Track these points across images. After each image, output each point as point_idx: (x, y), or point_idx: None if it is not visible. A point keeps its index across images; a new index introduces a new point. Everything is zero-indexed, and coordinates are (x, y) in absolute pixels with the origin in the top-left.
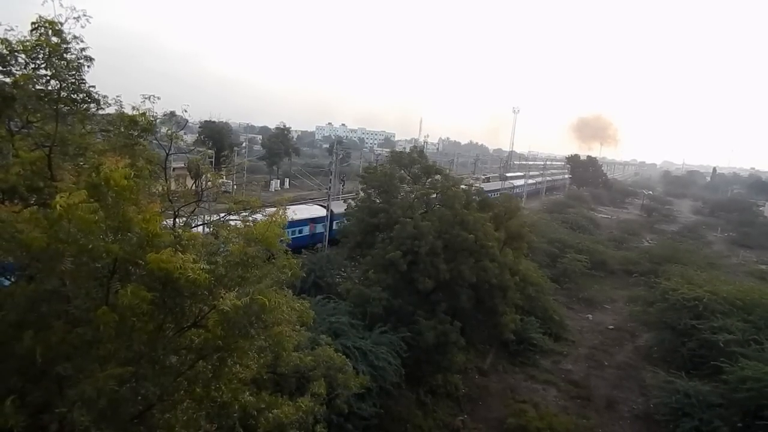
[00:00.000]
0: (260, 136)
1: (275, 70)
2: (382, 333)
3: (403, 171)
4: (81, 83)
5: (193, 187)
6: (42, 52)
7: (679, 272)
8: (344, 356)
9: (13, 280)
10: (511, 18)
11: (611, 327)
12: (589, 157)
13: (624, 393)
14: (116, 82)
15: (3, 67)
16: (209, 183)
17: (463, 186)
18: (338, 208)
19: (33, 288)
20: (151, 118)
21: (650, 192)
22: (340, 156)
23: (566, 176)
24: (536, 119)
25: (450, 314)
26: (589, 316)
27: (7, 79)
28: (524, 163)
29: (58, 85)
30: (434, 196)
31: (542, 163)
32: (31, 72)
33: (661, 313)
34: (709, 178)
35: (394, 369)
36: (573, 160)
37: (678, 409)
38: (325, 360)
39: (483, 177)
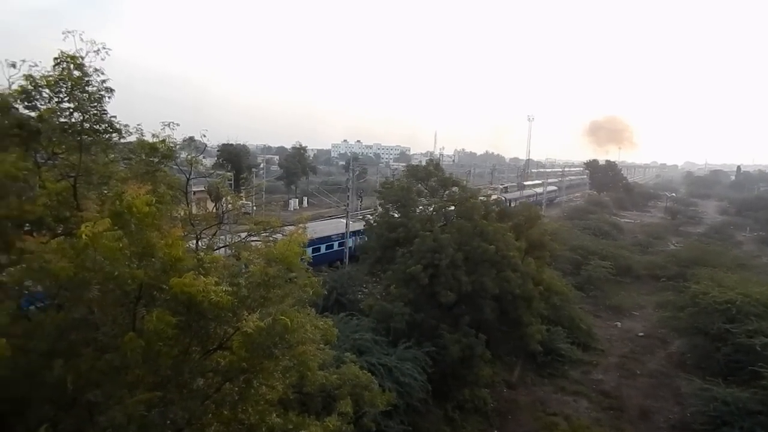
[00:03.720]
0: (277, 157)
1: (288, 90)
2: (406, 348)
3: (420, 184)
4: (103, 114)
5: (214, 210)
6: (65, 85)
7: (708, 275)
8: (369, 373)
9: (41, 308)
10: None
11: (641, 334)
12: (608, 161)
13: (658, 402)
14: (134, 111)
15: (28, 102)
16: (229, 205)
17: (481, 197)
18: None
19: (62, 317)
20: (171, 145)
21: (673, 194)
22: (357, 172)
23: (586, 181)
24: (551, 126)
25: (474, 327)
26: (618, 323)
27: (33, 114)
28: (542, 170)
29: (81, 117)
30: (452, 208)
31: (560, 170)
32: (55, 105)
33: (692, 318)
34: (733, 177)
35: (420, 385)
36: (592, 166)
37: (716, 417)
38: (351, 378)
39: (501, 187)
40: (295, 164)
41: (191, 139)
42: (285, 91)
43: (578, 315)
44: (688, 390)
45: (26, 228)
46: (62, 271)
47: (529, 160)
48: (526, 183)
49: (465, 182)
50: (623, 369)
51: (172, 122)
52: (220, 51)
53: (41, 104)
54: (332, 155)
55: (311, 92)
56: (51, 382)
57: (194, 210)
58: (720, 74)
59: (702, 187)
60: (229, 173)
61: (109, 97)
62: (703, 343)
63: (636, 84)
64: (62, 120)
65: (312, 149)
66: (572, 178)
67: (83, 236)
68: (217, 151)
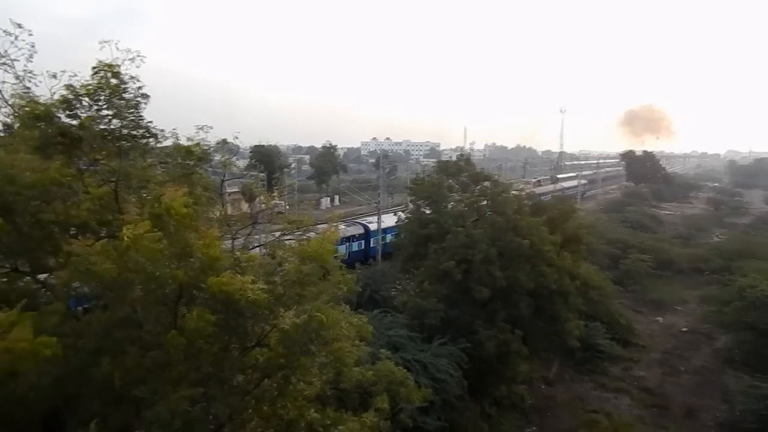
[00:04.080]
0: (308, 156)
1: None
2: (441, 345)
3: (450, 180)
4: (139, 120)
5: (249, 210)
6: (103, 93)
7: (755, 268)
8: (405, 370)
9: (88, 308)
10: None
11: (684, 329)
12: (645, 152)
13: (704, 400)
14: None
15: (70, 111)
16: (263, 205)
17: (513, 192)
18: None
19: (108, 316)
20: (205, 148)
21: (716, 184)
22: (387, 169)
23: (622, 173)
24: (584, 117)
25: (510, 323)
26: (659, 318)
27: (74, 122)
28: (576, 163)
29: (120, 124)
30: (484, 203)
31: (595, 162)
32: (94, 113)
33: (739, 313)
34: None
35: (456, 381)
36: (628, 157)
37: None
38: (386, 374)
39: (533, 180)
40: (326, 163)
41: (224, 141)
42: (314, 90)
43: (617, 310)
44: (737, 387)
45: (72, 232)
46: (106, 272)
47: (562, 152)
48: (559, 176)
49: (497, 177)
50: (666, 365)
51: (206, 126)
52: (249, 53)
53: (81, 112)
54: (362, 153)
55: (340, 91)
56: (99, 379)
57: (229, 210)
58: (765, 56)
59: (746, 177)
60: (261, 174)
61: (145, 103)
62: (751, 339)
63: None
64: (102, 127)
65: (342, 148)
66: (608, 170)
67: (125, 238)
68: (250, 152)
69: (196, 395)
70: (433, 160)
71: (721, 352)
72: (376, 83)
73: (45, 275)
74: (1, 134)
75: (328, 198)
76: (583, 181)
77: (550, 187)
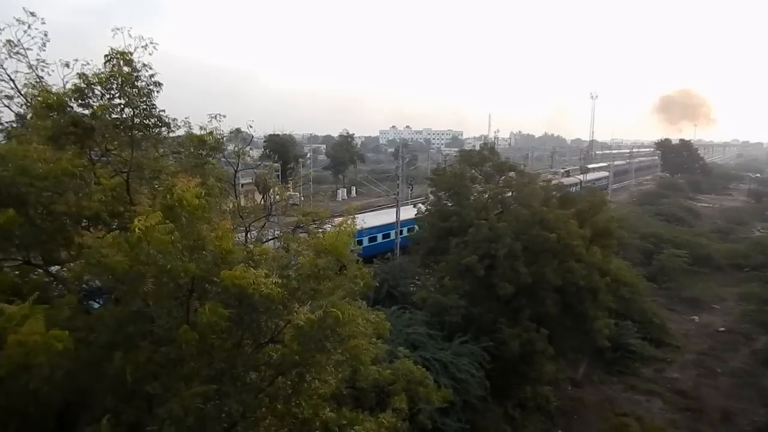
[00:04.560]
0: (324, 146)
1: (333, 78)
2: (462, 343)
3: (473, 170)
4: (152, 109)
5: (262, 202)
6: (115, 82)
7: None
8: (424, 369)
9: (101, 303)
10: None
11: (722, 329)
12: (682, 140)
13: (742, 404)
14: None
15: (82, 100)
16: (277, 197)
17: (540, 183)
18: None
19: (119, 310)
20: (218, 137)
21: (758, 175)
22: (407, 159)
23: (657, 163)
24: (617, 103)
25: (535, 321)
26: (695, 317)
27: (86, 111)
28: (607, 152)
29: (132, 113)
30: (509, 194)
31: (628, 151)
32: (106, 102)
33: None
34: None
35: (477, 381)
36: (664, 145)
37: None
38: (405, 373)
39: (562, 171)
40: (343, 153)
41: (238, 130)
42: (331, 78)
43: (650, 308)
44: None
45: (83, 224)
46: (118, 265)
47: (593, 141)
48: (590, 166)
49: (522, 167)
50: (702, 367)
51: (219, 114)
52: (263, 40)
53: (94, 102)
54: (380, 142)
55: (356, 78)
56: (112, 374)
57: (242, 202)
58: None
59: None
60: (276, 164)
61: (157, 92)
62: None
63: (713, 52)
64: (114, 116)
65: (359, 137)
66: (642, 159)
67: (136, 230)
68: (264, 141)
69: (208, 392)
70: (455, 149)
71: (760, 353)
72: (395, 70)
73: (57, 268)
74: (15, 125)
75: (345, 189)
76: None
77: (580, 178)
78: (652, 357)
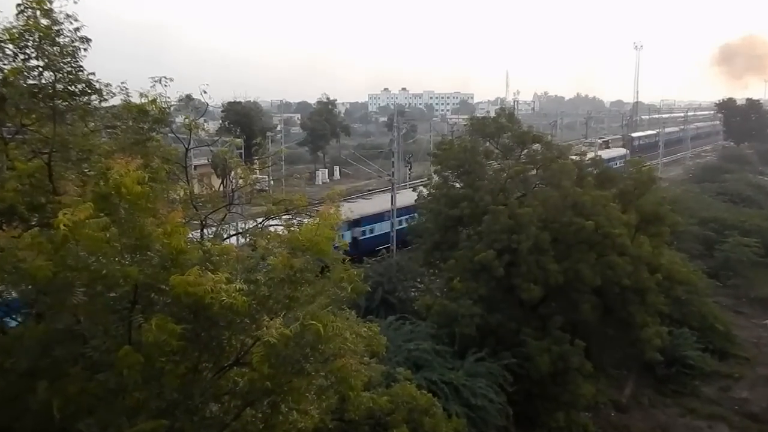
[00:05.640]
0: (298, 115)
1: (308, 34)
2: (477, 361)
3: (488, 143)
4: (78, 71)
5: (222, 188)
6: (31, 38)
7: None
8: (430, 394)
9: (20, 320)
10: None
11: None
12: (749, 100)
13: None
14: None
15: None
16: (240, 181)
17: (572, 157)
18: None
19: (43, 328)
20: (164, 106)
21: None
22: (403, 131)
23: (719, 129)
24: (666, 56)
25: (568, 331)
26: None
27: None
28: (656, 117)
29: (53, 77)
30: (534, 172)
31: (681, 114)
32: (21, 65)
33: None
34: None
35: (497, 408)
36: (726, 107)
37: None
38: (406, 400)
39: (599, 140)
40: (322, 124)
41: (188, 97)
42: (304, 35)
43: (712, 312)
44: None
45: None
46: (39, 271)
47: (637, 103)
48: (634, 134)
49: (550, 137)
50: None
51: (165, 77)
52: None
53: (5, 64)
54: (369, 109)
55: (338, 33)
56: (34, 408)
57: (197, 188)
58: None
59: None
60: (238, 139)
61: (85, 49)
62: None
63: None
64: (30, 82)
65: (343, 103)
66: (699, 125)
67: (62, 227)
68: (222, 111)
69: (158, 429)
70: (465, 116)
71: None
72: (387, 21)
73: None
74: None
75: (326, 170)
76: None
77: (624, 151)
78: (715, 372)
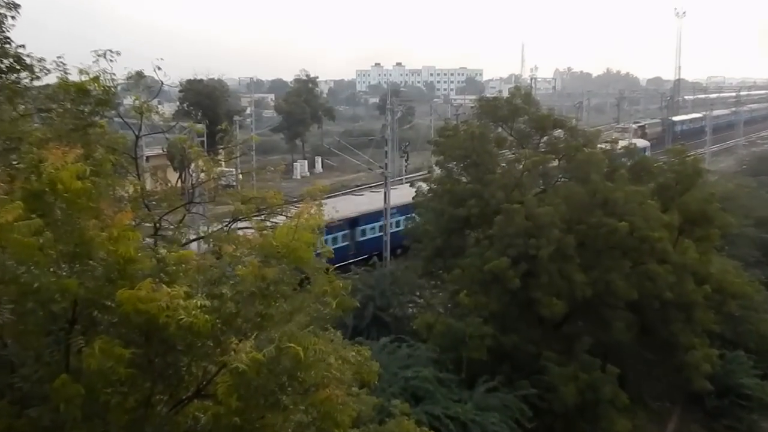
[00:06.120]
0: (272, 96)
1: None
2: (489, 391)
3: (501, 128)
4: (5, 43)
5: (180, 184)
6: None
7: None
8: None
9: None
10: None
11: None
12: None
13: None
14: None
15: None
16: (202, 175)
17: (602, 145)
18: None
19: None
20: (110, 85)
21: None
22: (398, 114)
23: None
24: (714, 24)
25: (599, 355)
26: None
27: None
28: (702, 97)
29: None
30: (555, 163)
31: (733, 94)
32: None
33: None
34: None
35: None
36: None
37: None
38: None
39: (634, 125)
40: (301, 106)
41: (139, 75)
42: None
43: None
44: None
45: None
46: None
47: (679, 81)
48: (676, 118)
49: (574, 121)
50: None
51: (110, 51)
52: None
53: None
54: (358, 89)
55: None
56: None
57: (149, 184)
58: None
59: None
60: (199, 125)
61: (13, 17)
62: None
63: None
64: None
65: (326, 81)
66: (753, 107)
67: None
68: (180, 91)
69: None
70: (472, 96)
71: None
72: None
73: None
74: None
75: (305, 161)
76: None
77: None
78: None
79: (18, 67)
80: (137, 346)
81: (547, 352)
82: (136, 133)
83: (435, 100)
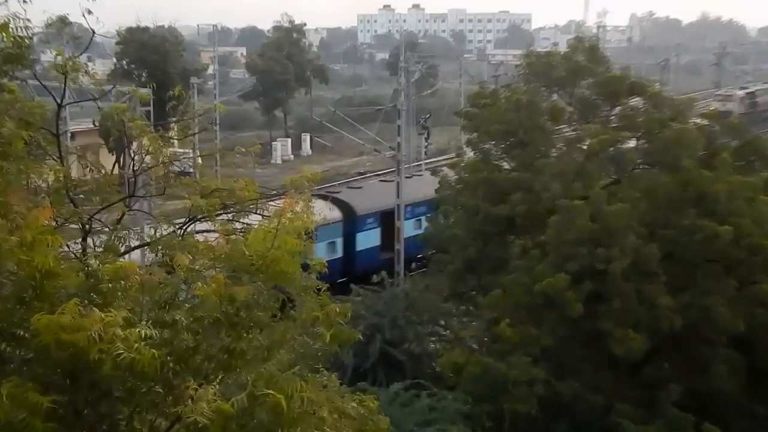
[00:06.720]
0: (242, 50)
1: None
2: None
3: (557, 95)
4: None
5: (117, 170)
6: None
7: None
8: None
9: None
10: None
11: None
12: None
13: None
14: None
15: None
16: (148, 158)
17: (695, 120)
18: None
19: None
20: (22, 36)
21: None
22: (416, 75)
23: None
24: None
25: (692, 408)
26: None
27: None
28: None
29: None
30: (633, 144)
31: None
32: None
33: None
34: None
35: None
36: None
37: None
38: None
39: (740, 92)
40: (282, 63)
41: (63, 21)
42: None
43: None
44: None
45: None
46: None
47: None
48: None
49: (658, 86)
50: None
51: None
52: None
53: None
54: (360, 41)
55: None
56: None
57: (75, 170)
58: None
59: None
60: (143, 89)
61: None
62: None
63: None
64: None
65: (317, 29)
66: None
67: None
68: (118, 44)
69: None
70: (517, 51)
71: None
72: None
73: None
74: None
75: (288, 140)
76: None
77: None
78: None
79: None
80: (60, 392)
81: (621, 405)
82: (58, 101)
83: (466, 55)
